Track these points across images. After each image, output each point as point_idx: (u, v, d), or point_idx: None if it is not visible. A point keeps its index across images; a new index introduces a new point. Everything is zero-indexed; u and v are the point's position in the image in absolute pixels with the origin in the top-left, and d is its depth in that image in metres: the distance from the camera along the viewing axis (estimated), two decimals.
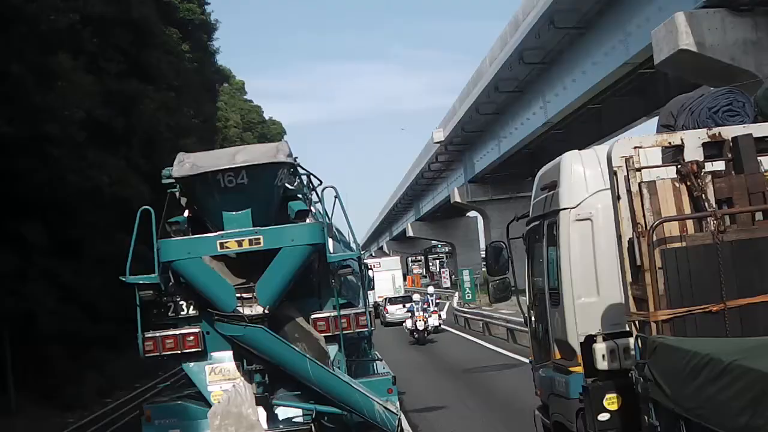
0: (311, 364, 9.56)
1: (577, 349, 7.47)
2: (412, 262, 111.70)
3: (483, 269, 47.80)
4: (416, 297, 34.29)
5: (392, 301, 42.18)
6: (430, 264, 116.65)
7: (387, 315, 40.82)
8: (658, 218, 5.72)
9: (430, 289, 38.09)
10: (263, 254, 9.59)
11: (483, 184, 61.25)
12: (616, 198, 6.02)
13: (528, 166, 56.40)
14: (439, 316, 34.46)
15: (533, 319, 8.93)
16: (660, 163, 6.12)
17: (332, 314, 10.02)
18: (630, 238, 5.86)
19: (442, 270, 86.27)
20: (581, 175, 7.62)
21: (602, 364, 7.17)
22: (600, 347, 7.17)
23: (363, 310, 10.26)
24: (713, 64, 22.03)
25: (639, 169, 5.94)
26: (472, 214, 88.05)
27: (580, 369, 7.49)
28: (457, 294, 49.70)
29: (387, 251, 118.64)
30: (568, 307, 7.55)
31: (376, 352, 13.51)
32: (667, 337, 5.44)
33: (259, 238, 9.57)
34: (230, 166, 9.43)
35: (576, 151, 7.93)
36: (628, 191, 5.91)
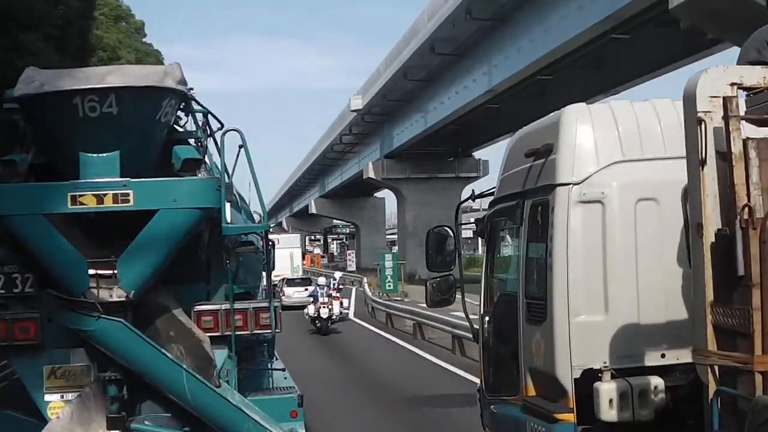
0: (188, 376, 7.80)
1: (569, 387, 5.96)
2: (310, 241, 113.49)
3: (392, 254, 46.32)
4: (321, 280, 32.86)
5: (291, 282, 41.46)
6: (330, 244, 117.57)
7: (284, 298, 39.45)
8: None
9: (337, 274, 36.37)
10: (134, 217, 7.82)
11: (401, 160, 60.71)
12: (698, 163, 4.06)
13: (452, 145, 56.12)
14: (341, 303, 32.70)
15: (486, 333, 7.55)
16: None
17: (223, 307, 8.40)
18: (720, 230, 3.98)
19: (348, 252, 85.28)
20: (590, 138, 6.14)
21: (608, 414, 5.75)
22: (607, 388, 5.75)
23: (266, 304, 8.58)
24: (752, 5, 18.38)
25: (744, 119, 4.01)
26: (380, 194, 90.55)
27: (570, 417, 5.95)
28: (365, 280, 47.90)
29: (286, 228, 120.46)
30: (560, 326, 6.03)
31: (278, 358, 11.42)
32: None
33: (127, 194, 7.81)
34: (94, 86, 7.64)
35: (583, 104, 6.38)
36: (721, 153, 3.97)
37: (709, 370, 4.11)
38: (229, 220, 8.25)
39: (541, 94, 38.04)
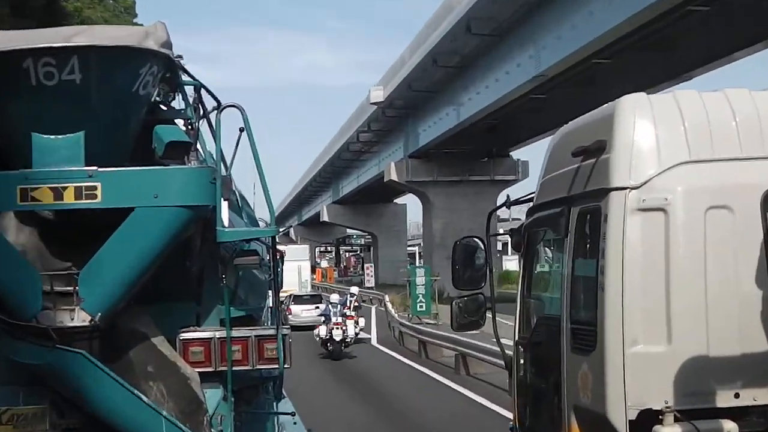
0: (169, 425, 7.04)
1: (622, 430, 6.07)
2: (320, 252, 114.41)
3: (424, 268, 45.63)
4: (334, 298, 32.84)
5: (298, 299, 41.75)
6: (343, 256, 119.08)
7: (291, 317, 40.07)
8: None
9: (354, 289, 35.91)
10: (102, 217, 7.03)
11: (427, 161, 61.10)
12: None
13: (486, 143, 56.02)
14: (356, 322, 32.04)
15: (522, 362, 7.78)
16: None
17: (217, 335, 7.63)
18: None
19: (367, 266, 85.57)
20: (651, 135, 6.22)
21: None
22: None
23: (272, 331, 7.86)
24: None
25: None
26: (401, 200, 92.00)
27: None
28: (387, 298, 47.31)
29: (294, 238, 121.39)
30: (613, 357, 6.12)
31: (285, 397, 10.56)
32: None
33: (94, 188, 6.92)
34: (51, 44, 6.76)
35: (643, 94, 6.42)
36: None
37: None
38: (226, 224, 7.51)
39: (592, 82, 37.52)
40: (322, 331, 29.99)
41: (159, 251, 7.07)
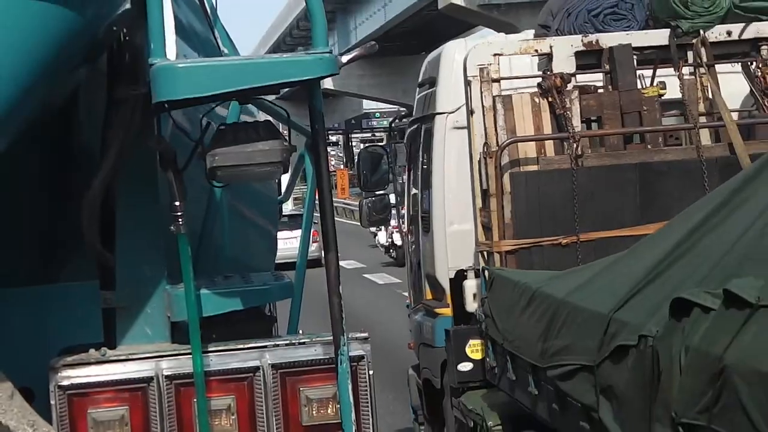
0: None
1: (446, 286, 7.79)
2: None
3: None
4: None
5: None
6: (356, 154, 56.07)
7: None
8: (511, 137, 6.16)
9: None
10: None
11: None
12: (469, 112, 6.46)
13: None
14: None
15: (408, 246, 9.25)
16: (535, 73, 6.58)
17: (165, 367, 3.46)
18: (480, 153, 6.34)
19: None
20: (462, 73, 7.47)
21: (472, 306, 7.35)
22: (471, 285, 7.38)
23: (320, 353, 3.54)
24: None
25: (497, 80, 6.37)
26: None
27: (448, 311, 7.82)
28: None
29: None
30: (439, 234, 7.87)
31: None
32: (504, 269, 5.97)
33: None
34: None
35: (462, 40, 8.17)
36: (483, 106, 6.34)
37: (480, 255, 6.52)
38: (172, 53, 3.28)
39: None
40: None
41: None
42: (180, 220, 3.25)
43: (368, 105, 59.43)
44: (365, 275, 25.37)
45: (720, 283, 3.37)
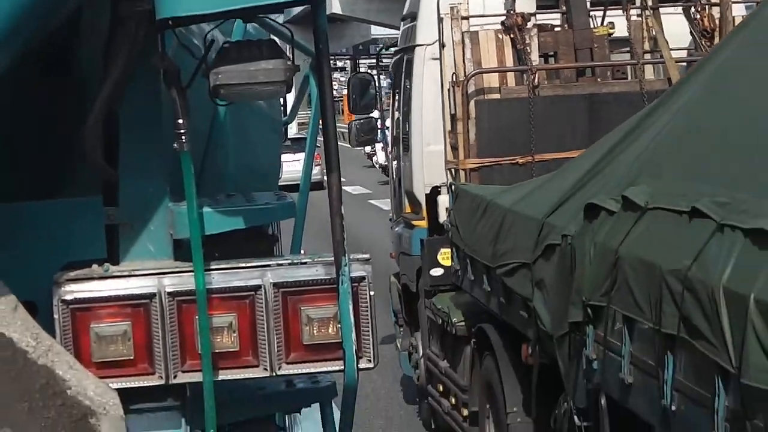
0: None
1: (423, 201, 8.51)
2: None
3: None
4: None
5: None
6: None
7: None
8: (477, 69, 7.02)
9: None
10: None
11: None
12: (441, 46, 7.30)
13: None
14: None
15: (391, 163, 10.09)
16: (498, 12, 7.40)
17: (168, 284, 3.38)
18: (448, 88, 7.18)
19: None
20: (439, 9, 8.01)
21: (444, 218, 7.93)
22: (444, 200, 7.99)
23: (321, 273, 3.43)
24: None
25: (466, 18, 7.20)
26: None
27: (424, 223, 8.59)
28: None
29: None
30: (416, 154, 8.59)
31: None
32: (467, 184, 6.83)
33: None
34: None
35: None
36: (452, 40, 7.19)
37: (449, 172, 7.43)
38: None
39: None
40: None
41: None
42: (183, 137, 3.23)
43: (376, 31, 54.72)
44: (371, 201, 25.81)
45: (622, 191, 4.21)
